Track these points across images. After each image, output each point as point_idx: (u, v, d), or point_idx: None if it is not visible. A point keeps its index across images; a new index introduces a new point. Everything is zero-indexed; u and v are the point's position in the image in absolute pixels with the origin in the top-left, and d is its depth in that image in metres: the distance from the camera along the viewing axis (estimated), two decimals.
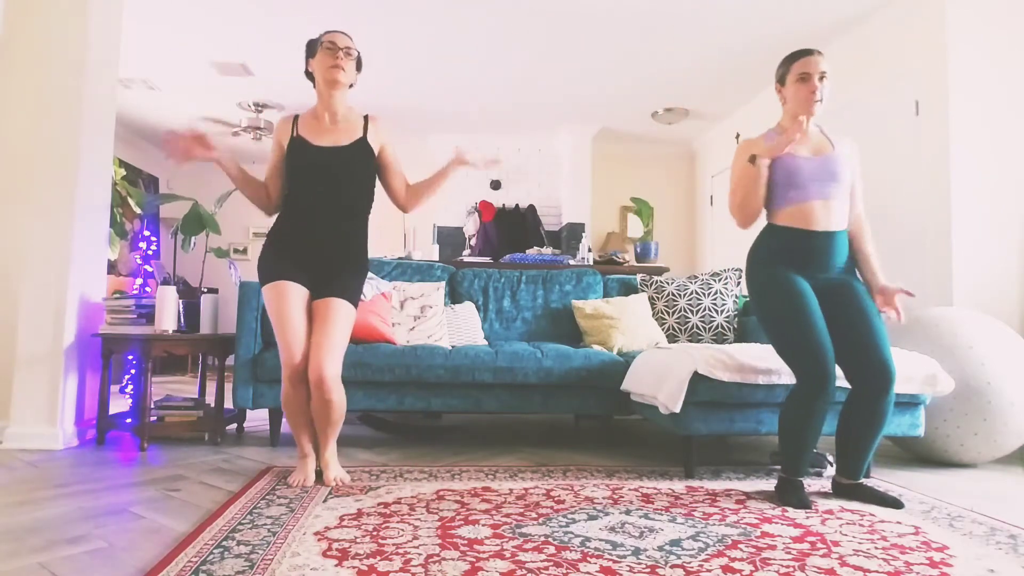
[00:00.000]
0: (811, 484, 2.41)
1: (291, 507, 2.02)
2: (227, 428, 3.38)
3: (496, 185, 6.82)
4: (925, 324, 2.96)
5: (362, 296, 2.50)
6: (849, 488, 2.25)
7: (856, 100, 4.25)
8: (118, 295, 3.63)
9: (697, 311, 3.73)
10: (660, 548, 1.70)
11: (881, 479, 2.57)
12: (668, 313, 3.76)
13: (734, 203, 2.34)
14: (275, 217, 2.49)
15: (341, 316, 2.34)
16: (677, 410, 2.48)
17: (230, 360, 3.20)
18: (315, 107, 2.47)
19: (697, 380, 2.47)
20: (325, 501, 2.11)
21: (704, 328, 3.71)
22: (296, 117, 2.48)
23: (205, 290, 5.21)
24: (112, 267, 6.20)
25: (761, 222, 2.38)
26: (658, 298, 3.81)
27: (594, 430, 3.78)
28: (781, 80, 2.34)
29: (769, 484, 2.43)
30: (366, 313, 3.21)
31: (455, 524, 1.88)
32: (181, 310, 3.23)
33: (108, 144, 3.38)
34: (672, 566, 1.58)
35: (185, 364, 7.14)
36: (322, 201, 2.39)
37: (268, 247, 2.43)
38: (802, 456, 2.21)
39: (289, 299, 2.32)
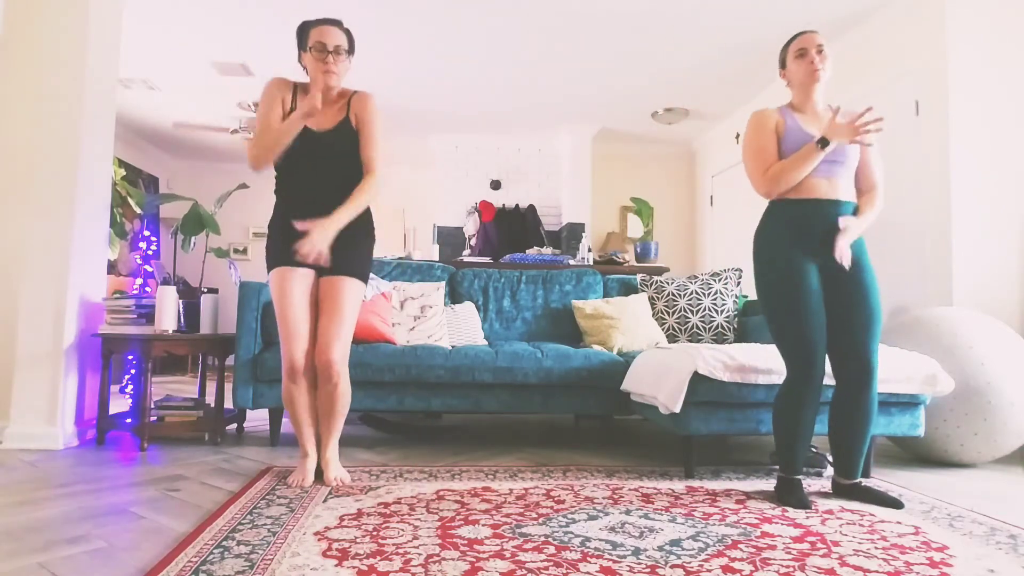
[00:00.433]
0: (811, 484, 2.42)
1: (291, 507, 2.03)
2: (227, 428, 3.38)
3: (496, 185, 6.82)
4: (925, 324, 2.96)
5: (363, 297, 2.49)
6: (849, 488, 2.25)
7: (856, 100, 4.24)
8: (118, 295, 3.64)
9: (697, 311, 3.73)
10: (660, 548, 1.71)
11: (881, 479, 2.57)
12: (668, 313, 3.76)
13: (769, 174, 2.27)
14: (274, 204, 2.45)
15: (349, 298, 2.32)
16: (677, 410, 2.48)
17: (230, 360, 3.20)
18: (309, 87, 2.38)
19: (697, 380, 2.47)
20: (325, 501, 2.11)
21: (704, 328, 3.71)
22: (296, 87, 2.41)
23: (205, 290, 5.21)
24: (112, 267, 6.20)
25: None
26: (658, 298, 3.81)
27: (594, 430, 3.78)
28: (783, 64, 2.38)
29: (769, 484, 2.43)
30: (366, 313, 3.21)
31: (455, 524, 1.88)
32: (181, 310, 3.23)
33: (108, 144, 3.38)
34: (672, 566, 1.58)
35: (185, 364, 7.14)
36: (318, 179, 2.36)
37: (272, 232, 2.40)
38: (796, 450, 2.22)
39: (291, 289, 2.30)
